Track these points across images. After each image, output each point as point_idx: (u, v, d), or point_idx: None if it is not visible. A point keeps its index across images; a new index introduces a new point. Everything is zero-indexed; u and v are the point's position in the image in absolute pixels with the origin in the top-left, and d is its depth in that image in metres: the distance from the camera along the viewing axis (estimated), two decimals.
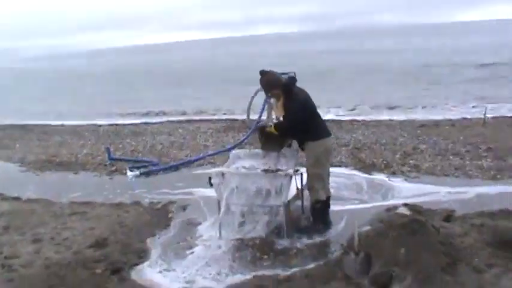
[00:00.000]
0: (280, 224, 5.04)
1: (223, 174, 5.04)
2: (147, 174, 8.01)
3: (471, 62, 25.80)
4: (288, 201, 4.90)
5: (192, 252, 4.79)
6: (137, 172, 8.01)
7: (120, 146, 10.05)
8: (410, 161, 7.61)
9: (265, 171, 4.90)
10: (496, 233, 4.68)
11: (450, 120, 11.27)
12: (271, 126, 5.21)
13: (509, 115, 11.39)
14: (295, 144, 5.44)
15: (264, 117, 10.24)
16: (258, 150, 5.58)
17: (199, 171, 8.09)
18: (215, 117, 14.02)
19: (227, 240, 4.93)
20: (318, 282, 4.01)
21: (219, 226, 5.10)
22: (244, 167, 5.14)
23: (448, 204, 5.78)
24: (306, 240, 4.91)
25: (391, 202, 5.98)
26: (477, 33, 70.21)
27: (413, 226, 4.27)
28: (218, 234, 5.10)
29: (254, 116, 6.99)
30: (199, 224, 5.64)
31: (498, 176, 6.69)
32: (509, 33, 60.26)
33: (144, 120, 14.41)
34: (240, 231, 5.06)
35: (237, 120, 12.92)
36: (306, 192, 5.38)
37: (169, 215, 6.01)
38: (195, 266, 4.48)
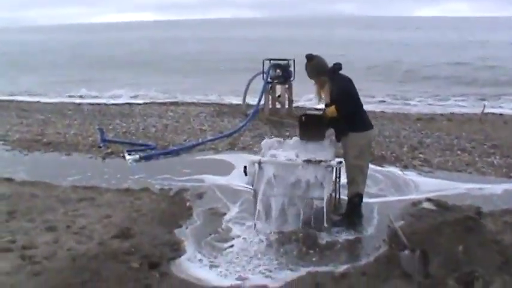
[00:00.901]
0: (316, 217, 4.78)
1: (260, 163, 4.73)
2: (147, 158, 7.58)
3: (441, 59, 26.15)
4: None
5: (232, 246, 4.49)
6: (137, 156, 7.58)
7: (111, 127, 9.52)
8: (420, 155, 7.54)
9: (307, 161, 4.63)
10: None
11: (442, 115, 11.28)
12: (321, 112, 4.93)
13: (498, 112, 11.49)
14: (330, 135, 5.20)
15: (262, 102, 10.00)
16: (290, 140, 5.29)
17: (201, 156, 7.77)
18: (202, 100, 13.54)
19: (266, 233, 4.64)
20: (377, 280, 3.81)
21: (255, 218, 4.78)
22: (281, 157, 4.83)
23: (471, 200, 5.69)
24: (345, 235, 4.71)
25: (413, 197, 5.89)
26: (438, 28, 71.88)
27: (468, 223, 4.18)
28: (253, 226, 4.79)
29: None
30: (224, 214, 5.35)
31: (511, 174, 6.67)
32: (464, 30, 62.19)
33: (126, 100, 13.73)
34: (274, 223, 4.76)
35: (224, 104, 12.56)
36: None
37: (187, 204, 5.68)
38: (241, 261, 4.19)
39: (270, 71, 10.12)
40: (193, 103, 12.89)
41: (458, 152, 7.70)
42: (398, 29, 70.62)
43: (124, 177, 6.70)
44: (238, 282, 3.84)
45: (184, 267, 4.08)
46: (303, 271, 4.01)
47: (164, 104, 12.72)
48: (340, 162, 4.71)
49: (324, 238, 4.58)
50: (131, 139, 8.72)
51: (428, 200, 5.73)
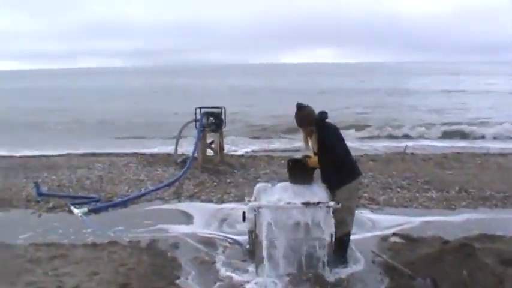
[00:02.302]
0: (314, 258, 4.90)
1: (259, 208, 4.79)
2: (95, 210, 7.19)
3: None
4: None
5: None
6: (85, 209, 7.15)
7: (40, 180, 8.79)
8: (365, 194, 8.00)
9: (306, 203, 4.78)
10: (501, 253, 5.18)
11: (366, 155, 11.97)
12: (304, 158, 5.13)
13: (409, 152, 12.50)
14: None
15: (197, 151, 9.98)
16: (281, 184, 5.41)
17: (150, 207, 7.56)
18: (121, 151, 13.07)
19: (276, 276, 4.65)
20: None
21: (257, 263, 4.78)
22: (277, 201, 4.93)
23: (431, 232, 6.21)
24: (344, 271, 4.91)
25: (379, 233, 6.24)
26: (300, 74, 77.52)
27: (466, 250, 4.57)
28: (255, 272, 4.78)
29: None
30: (213, 262, 5.25)
31: (452, 206, 7.41)
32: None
33: (36, 153, 12.75)
34: (281, 266, 4.80)
35: (144, 154, 12.25)
36: None
37: (169, 254, 5.48)
38: None
39: (203, 119, 10.19)
40: (113, 153, 12.39)
41: (398, 190, 8.34)
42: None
43: (80, 232, 6.28)
44: None
45: None
46: None
47: (82, 155, 12.08)
48: (338, 203, 4.92)
49: (329, 276, 4.71)
50: (68, 192, 8.18)
51: (395, 234, 6.16)
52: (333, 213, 4.72)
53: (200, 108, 10.45)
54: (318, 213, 4.76)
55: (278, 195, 5.01)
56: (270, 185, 5.38)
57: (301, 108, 5.03)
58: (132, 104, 29.34)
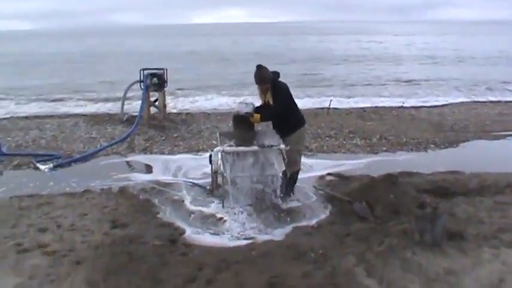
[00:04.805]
0: (272, 190, 5.93)
1: (223, 151, 5.72)
2: (60, 166, 7.80)
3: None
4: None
5: (221, 218, 5.42)
6: (50, 165, 7.73)
7: None
8: None
9: (262, 146, 5.78)
10: (418, 185, 6.44)
11: None
12: (252, 115, 5.97)
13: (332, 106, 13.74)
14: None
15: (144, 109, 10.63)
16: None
17: (110, 160, 8.26)
18: (61, 111, 13.38)
19: (241, 207, 5.62)
20: (344, 226, 5.15)
21: (223, 197, 5.75)
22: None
23: (359, 171, 7.40)
24: (296, 202, 5.98)
25: (316, 174, 7.36)
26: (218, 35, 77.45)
27: (392, 180, 5.79)
28: (222, 204, 5.76)
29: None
30: (182, 201, 6.13)
31: (375, 151, 8.75)
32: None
33: None
34: (238, 200, 5.75)
35: (86, 115, 12.65)
36: None
37: (141, 197, 6.29)
38: (237, 227, 5.19)
39: (147, 80, 10.85)
40: (56, 115, 12.71)
41: (327, 139, 9.55)
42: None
43: (51, 185, 6.88)
44: (250, 240, 4.85)
45: (200, 238, 4.92)
46: (287, 228, 5.21)
47: (27, 117, 12.29)
48: (287, 145, 5.94)
49: (284, 205, 5.78)
50: (29, 151, 8.66)
51: (329, 174, 7.34)
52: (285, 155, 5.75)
53: (144, 69, 11.06)
54: (271, 154, 5.79)
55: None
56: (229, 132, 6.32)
57: (260, 68, 5.90)
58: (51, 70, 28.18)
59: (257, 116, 5.91)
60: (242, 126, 6.09)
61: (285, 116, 5.96)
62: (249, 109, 5.98)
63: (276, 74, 6.00)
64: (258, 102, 6.16)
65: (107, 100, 15.69)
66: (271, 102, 5.96)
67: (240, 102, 6.22)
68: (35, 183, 6.97)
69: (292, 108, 6.10)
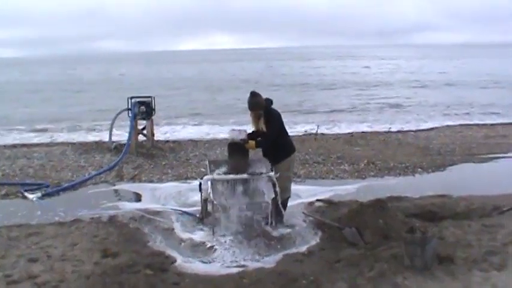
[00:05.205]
0: (262, 218, 5.99)
1: (213, 180, 5.76)
2: (48, 195, 7.76)
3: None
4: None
5: (211, 246, 5.41)
6: (38, 194, 7.71)
7: None
8: None
9: (252, 174, 5.83)
10: (407, 209, 6.51)
11: None
12: (247, 141, 6.00)
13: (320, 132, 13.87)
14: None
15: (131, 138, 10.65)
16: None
17: (98, 189, 8.23)
18: (49, 140, 13.34)
19: (232, 234, 5.63)
20: (333, 251, 5.19)
21: (214, 225, 5.77)
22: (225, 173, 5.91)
23: (348, 197, 7.44)
24: (285, 228, 5.98)
25: (304, 200, 7.37)
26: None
27: (380, 205, 5.84)
28: (212, 232, 5.75)
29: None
30: (172, 229, 6.12)
31: (363, 176, 8.83)
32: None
33: None
34: (235, 226, 5.80)
35: (74, 143, 12.62)
36: None
37: (131, 225, 6.26)
38: (227, 255, 5.19)
39: (135, 108, 10.89)
40: (44, 144, 12.67)
41: (315, 165, 9.63)
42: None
43: (40, 215, 6.84)
44: (241, 268, 4.84)
45: (190, 267, 4.89)
46: (278, 255, 5.21)
47: (14, 146, 12.23)
48: (277, 173, 5.98)
49: (275, 233, 5.80)
50: (16, 180, 8.61)
51: (318, 200, 7.37)
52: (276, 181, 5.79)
53: (131, 97, 11.11)
54: (261, 181, 5.83)
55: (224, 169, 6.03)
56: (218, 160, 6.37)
57: (254, 95, 6.01)
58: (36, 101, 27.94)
59: (252, 142, 5.96)
60: (237, 153, 6.10)
61: (276, 143, 6.03)
62: (243, 136, 6.04)
63: (269, 101, 6.10)
64: (249, 130, 6.21)
65: (94, 129, 15.73)
66: (264, 129, 6.03)
67: (233, 130, 6.26)
68: (23, 212, 6.94)
69: (284, 135, 6.18)
